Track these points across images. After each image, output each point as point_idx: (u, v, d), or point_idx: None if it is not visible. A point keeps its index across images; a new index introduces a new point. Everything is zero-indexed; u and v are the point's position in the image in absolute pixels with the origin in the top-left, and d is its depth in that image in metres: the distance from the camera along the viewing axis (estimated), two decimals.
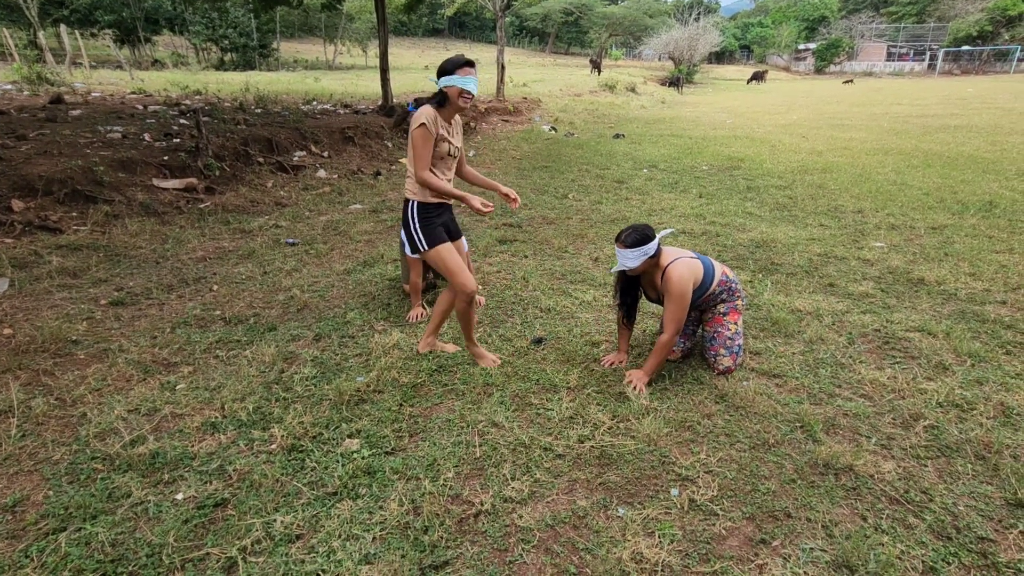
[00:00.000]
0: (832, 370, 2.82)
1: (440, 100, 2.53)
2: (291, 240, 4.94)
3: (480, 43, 54.89)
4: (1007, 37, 41.32)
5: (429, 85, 2.79)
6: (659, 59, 50.89)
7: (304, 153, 7.89)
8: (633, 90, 24.48)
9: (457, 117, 2.69)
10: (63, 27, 22.78)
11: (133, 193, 5.53)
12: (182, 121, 8.45)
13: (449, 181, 2.73)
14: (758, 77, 36.18)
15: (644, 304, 3.19)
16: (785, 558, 1.75)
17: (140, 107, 9.97)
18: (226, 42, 29.95)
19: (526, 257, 4.56)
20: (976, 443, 2.25)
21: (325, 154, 8.13)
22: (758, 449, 2.24)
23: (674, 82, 30.34)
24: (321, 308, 3.60)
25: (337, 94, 14.59)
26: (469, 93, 2.50)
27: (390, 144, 9.21)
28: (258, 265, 4.36)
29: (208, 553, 1.76)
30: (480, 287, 3.91)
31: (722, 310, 2.83)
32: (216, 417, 2.44)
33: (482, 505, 1.95)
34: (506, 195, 2.75)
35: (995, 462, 2.13)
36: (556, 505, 1.98)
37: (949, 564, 1.73)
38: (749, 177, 7.60)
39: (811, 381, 2.72)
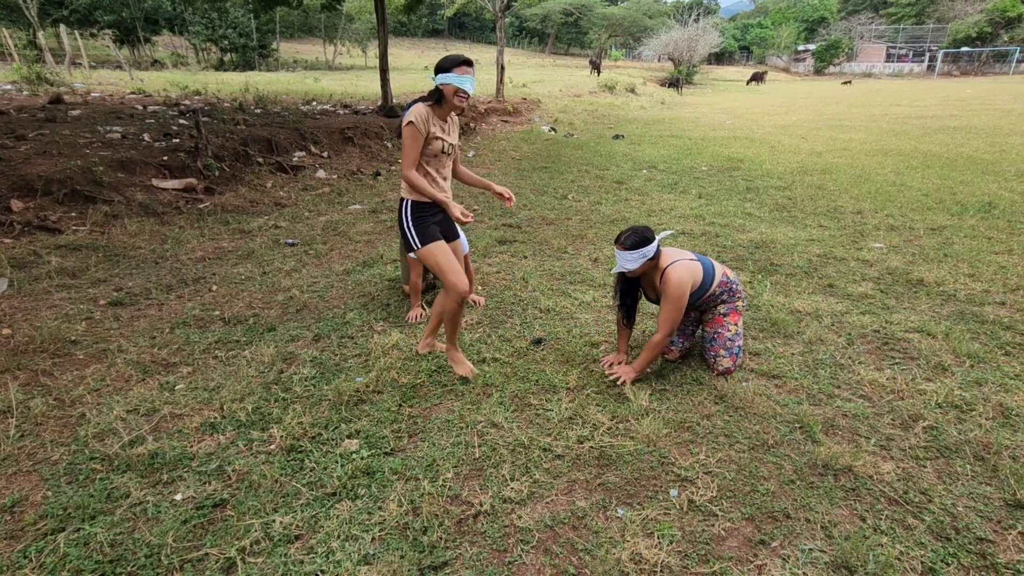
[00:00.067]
0: (831, 371, 2.82)
1: (436, 98, 2.53)
2: (290, 240, 4.94)
3: (480, 44, 54.88)
4: (1006, 38, 41.37)
5: (429, 85, 2.80)
6: (659, 60, 50.92)
7: (304, 153, 7.89)
8: (632, 91, 24.49)
9: (453, 115, 2.69)
10: (63, 27, 22.80)
11: (132, 193, 5.53)
12: (181, 121, 8.45)
13: (446, 179, 2.73)
14: (757, 78, 36.22)
15: (644, 305, 3.19)
16: (784, 559, 1.75)
17: (139, 107, 9.96)
18: (226, 42, 29.94)
19: (525, 258, 4.56)
20: (975, 444, 2.25)
21: (325, 154, 8.13)
22: (757, 450, 2.24)
23: (673, 83, 30.37)
24: (320, 308, 3.60)
25: (337, 94, 14.59)
26: (465, 92, 2.49)
27: (390, 144, 9.21)
28: (257, 265, 4.36)
29: (207, 554, 1.76)
30: (479, 287, 3.91)
31: (722, 311, 2.83)
32: (215, 417, 2.44)
33: (481, 506, 1.95)
34: (500, 194, 2.76)
35: (994, 463, 2.13)
36: (555, 506, 1.97)
37: (948, 565, 1.73)
38: (748, 178, 7.61)
39: (810, 382, 2.72)
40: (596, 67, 30.41)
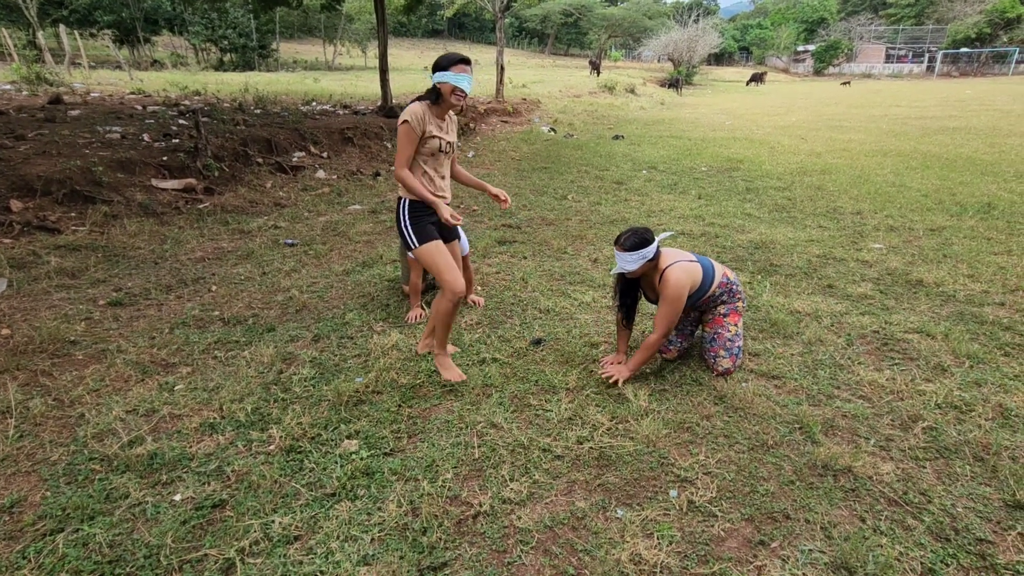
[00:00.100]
0: (831, 371, 2.82)
1: (434, 96, 2.53)
2: (290, 241, 4.94)
3: (479, 44, 54.92)
4: (1005, 39, 41.42)
5: (428, 85, 2.82)
6: (658, 60, 50.94)
7: (303, 154, 7.88)
8: (632, 91, 24.50)
9: (452, 114, 2.69)
10: (62, 27, 22.81)
11: (132, 193, 5.53)
12: (181, 121, 8.45)
13: (444, 179, 2.73)
14: (757, 79, 36.28)
15: (643, 305, 3.19)
16: (784, 559, 1.75)
17: (139, 107, 9.96)
18: (225, 43, 29.97)
19: (525, 258, 4.56)
20: (975, 444, 2.25)
21: (324, 155, 8.13)
22: (757, 450, 2.24)
23: (673, 83, 30.41)
24: (320, 309, 3.60)
25: (336, 95, 14.59)
26: (462, 91, 2.49)
27: (389, 145, 9.21)
28: (257, 266, 4.36)
29: (206, 554, 1.75)
30: (479, 288, 3.91)
31: (722, 311, 2.83)
32: (214, 418, 2.44)
33: (481, 506, 1.95)
34: (495, 195, 2.76)
35: (994, 463, 2.13)
36: (555, 506, 1.97)
37: (948, 565, 1.73)
38: (748, 178, 7.61)
39: (810, 382, 2.72)
40: (596, 67, 30.44)
